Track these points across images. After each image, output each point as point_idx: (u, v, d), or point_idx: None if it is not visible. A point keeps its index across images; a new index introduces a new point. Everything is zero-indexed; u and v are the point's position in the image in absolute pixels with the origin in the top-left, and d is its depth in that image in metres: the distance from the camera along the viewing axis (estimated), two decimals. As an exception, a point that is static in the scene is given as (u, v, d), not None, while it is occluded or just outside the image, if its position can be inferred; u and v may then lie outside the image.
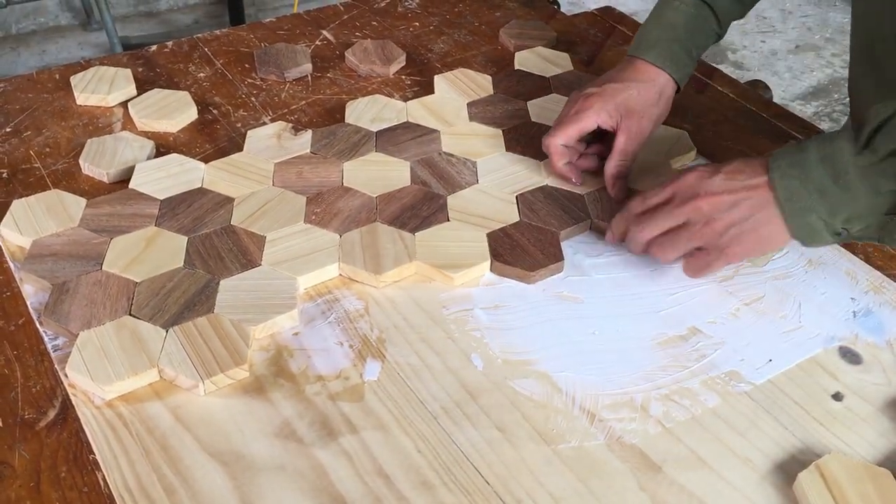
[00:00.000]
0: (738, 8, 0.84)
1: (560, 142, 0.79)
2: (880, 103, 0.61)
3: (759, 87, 1.06)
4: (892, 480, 0.56)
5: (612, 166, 0.79)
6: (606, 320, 0.69)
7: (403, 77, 1.00)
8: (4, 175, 0.82)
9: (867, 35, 0.79)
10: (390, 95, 0.95)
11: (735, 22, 0.86)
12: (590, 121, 0.78)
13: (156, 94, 0.92)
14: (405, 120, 0.89)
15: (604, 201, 0.79)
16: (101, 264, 0.70)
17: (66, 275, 0.69)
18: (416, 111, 0.91)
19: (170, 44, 1.04)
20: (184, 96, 0.92)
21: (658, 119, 0.81)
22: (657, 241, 0.69)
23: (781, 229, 0.65)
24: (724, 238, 0.66)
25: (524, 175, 0.82)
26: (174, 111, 0.89)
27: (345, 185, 0.80)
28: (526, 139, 0.87)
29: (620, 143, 0.78)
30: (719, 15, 0.83)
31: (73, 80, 0.94)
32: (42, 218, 0.74)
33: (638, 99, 0.79)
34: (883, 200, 0.62)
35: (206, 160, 0.83)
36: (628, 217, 0.71)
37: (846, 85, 0.85)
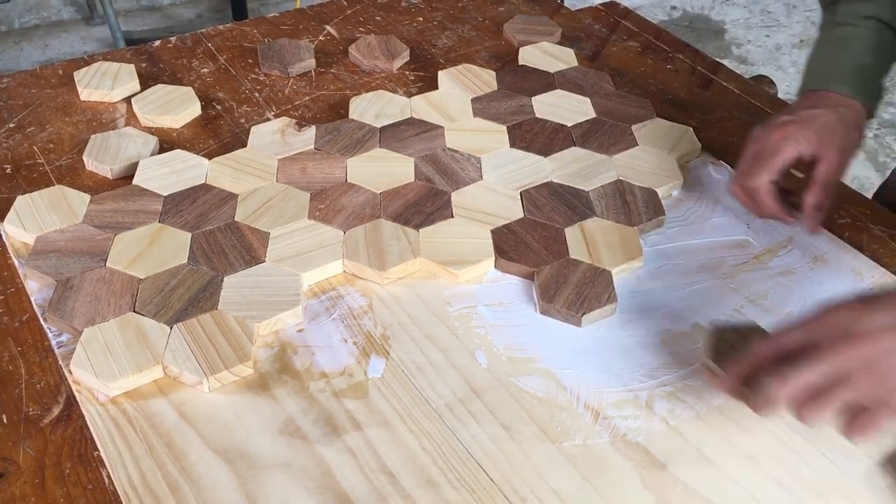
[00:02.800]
0: None
1: (767, 178, 0.72)
2: None
3: (763, 82, 1.06)
4: None
5: (811, 197, 0.72)
6: (610, 317, 0.69)
7: (407, 72, 1.00)
8: (8, 171, 0.82)
9: None
10: (394, 91, 0.95)
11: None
12: (789, 150, 0.71)
13: (159, 90, 0.92)
14: (409, 116, 0.89)
15: (608, 197, 0.79)
16: (105, 261, 0.70)
17: (71, 271, 0.69)
18: (420, 107, 0.91)
19: (173, 39, 1.04)
20: (187, 92, 0.91)
21: (856, 147, 0.74)
22: (803, 396, 0.53)
23: None
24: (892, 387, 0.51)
25: (529, 171, 0.82)
26: (178, 107, 0.89)
27: (349, 181, 0.80)
28: (530, 135, 0.87)
29: (822, 172, 0.71)
30: None
31: (77, 75, 0.93)
32: (46, 214, 0.74)
33: (838, 124, 0.72)
34: None
35: (209, 156, 0.82)
36: (754, 363, 0.56)
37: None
